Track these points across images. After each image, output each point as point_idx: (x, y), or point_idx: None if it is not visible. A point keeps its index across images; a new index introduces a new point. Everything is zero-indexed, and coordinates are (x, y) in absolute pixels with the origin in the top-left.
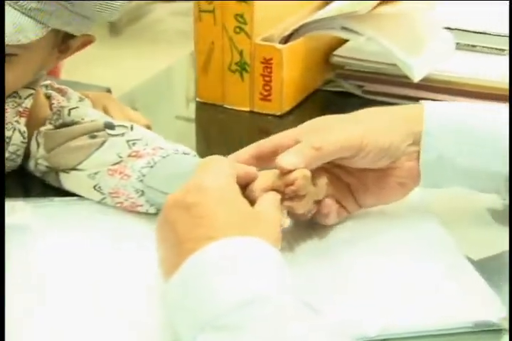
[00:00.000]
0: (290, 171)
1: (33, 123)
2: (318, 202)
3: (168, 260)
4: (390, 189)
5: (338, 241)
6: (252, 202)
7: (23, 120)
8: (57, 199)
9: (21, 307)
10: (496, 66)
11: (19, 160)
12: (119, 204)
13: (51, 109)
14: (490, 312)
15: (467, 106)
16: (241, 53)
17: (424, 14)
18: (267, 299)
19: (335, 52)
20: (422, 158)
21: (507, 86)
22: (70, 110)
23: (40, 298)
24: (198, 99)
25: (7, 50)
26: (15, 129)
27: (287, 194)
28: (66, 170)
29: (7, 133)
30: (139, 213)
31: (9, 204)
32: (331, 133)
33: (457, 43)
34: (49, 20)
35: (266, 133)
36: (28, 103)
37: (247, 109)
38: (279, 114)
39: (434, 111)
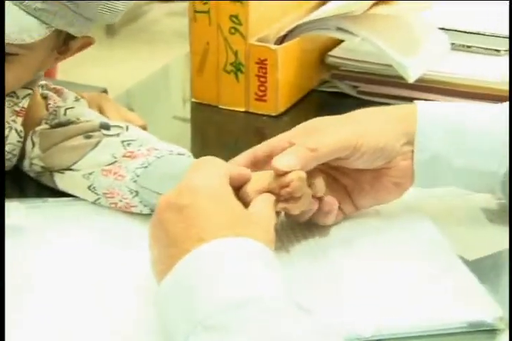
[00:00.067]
0: (286, 173)
1: (29, 123)
2: (319, 200)
3: (161, 261)
4: (386, 189)
5: (332, 241)
6: (245, 204)
7: (19, 119)
8: (51, 199)
9: (17, 308)
10: (492, 67)
11: (14, 160)
12: (113, 205)
13: (47, 109)
14: (484, 313)
15: (460, 105)
16: (236, 54)
17: (419, 15)
18: (260, 300)
19: (330, 53)
20: (416, 158)
21: (502, 86)
22: (66, 110)
23: (33, 298)
24: (193, 100)
25: (9, 50)
26: (11, 128)
27: (282, 196)
28: (61, 171)
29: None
30: (133, 214)
31: None
32: (326, 134)
33: (452, 44)
34: (53, 21)
35: (261, 133)
36: (25, 103)
37: (243, 109)
38: (274, 114)
39: (426, 111)
